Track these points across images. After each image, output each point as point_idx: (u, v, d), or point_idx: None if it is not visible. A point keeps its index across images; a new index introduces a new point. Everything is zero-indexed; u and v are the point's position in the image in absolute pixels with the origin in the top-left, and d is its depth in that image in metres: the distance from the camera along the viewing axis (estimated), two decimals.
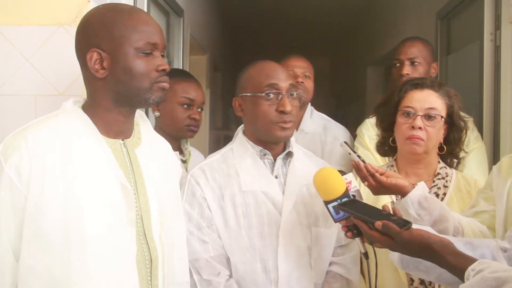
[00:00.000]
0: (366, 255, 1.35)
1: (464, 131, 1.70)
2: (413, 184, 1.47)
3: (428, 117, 1.63)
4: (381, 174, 1.47)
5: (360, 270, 1.67)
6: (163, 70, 1.25)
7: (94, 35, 1.22)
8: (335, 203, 1.34)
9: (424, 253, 1.17)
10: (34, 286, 1.12)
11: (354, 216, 1.28)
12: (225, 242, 1.51)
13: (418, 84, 1.70)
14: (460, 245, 1.30)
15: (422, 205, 1.43)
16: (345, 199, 1.34)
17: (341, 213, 1.34)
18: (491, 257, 1.28)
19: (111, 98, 1.24)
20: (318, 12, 6.01)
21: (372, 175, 1.47)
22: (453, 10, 3.14)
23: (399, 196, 1.51)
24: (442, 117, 1.63)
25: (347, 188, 1.37)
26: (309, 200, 1.55)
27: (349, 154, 1.53)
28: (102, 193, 1.18)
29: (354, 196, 1.38)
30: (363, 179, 1.50)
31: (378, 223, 1.20)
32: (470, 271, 1.07)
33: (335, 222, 1.36)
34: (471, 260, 1.10)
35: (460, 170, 2.02)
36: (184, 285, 1.40)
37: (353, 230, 1.33)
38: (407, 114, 1.65)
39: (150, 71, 1.23)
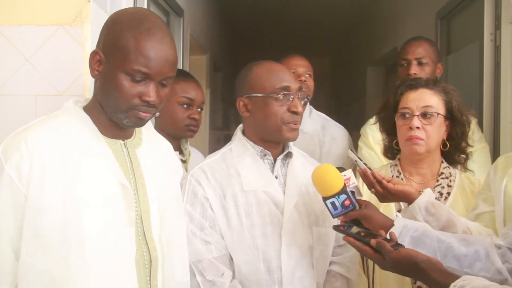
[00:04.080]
0: None
1: (467, 125, 1.70)
2: (420, 191, 1.48)
3: (425, 115, 1.64)
4: (388, 181, 1.48)
5: (360, 268, 1.67)
6: (146, 101, 1.18)
7: (104, 36, 1.22)
8: (333, 199, 1.36)
9: (411, 271, 1.20)
10: (34, 285, 1.12)
11: (350, 236, 1.30)
12: (228, 242, 1.50)
13: (413, 84, 1.71)
14: (455, 241, 1.32)
15: (429, 211, 1.44)
16: (342, 195, 1.36)
17: (339, 209, 1.37)
18: (485, 254, 1.30)
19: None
20: (318, 12, 6.01)
21: (379, 182, 1.47)
22: (453, 10, 3.15)
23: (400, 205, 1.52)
24: (439, 114, 1.64)
25: (345, 184, 1.39)
26: (309, 199, 1.55)
27: (356, 162, 1.53)
28: (101, 193, 1.18)
29: (353, 192, 1.40)
30: (370, 186, 1.50)
31: (373, 241, 1.24)
32: (452, 287, 1.09)
33: (334, 217, 1.39)
34: (456, 277, 1.12)
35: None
36: (184, 285, 1.40)
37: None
38: (404, 116, 1.67)
39: (131, 97, 1.17)
